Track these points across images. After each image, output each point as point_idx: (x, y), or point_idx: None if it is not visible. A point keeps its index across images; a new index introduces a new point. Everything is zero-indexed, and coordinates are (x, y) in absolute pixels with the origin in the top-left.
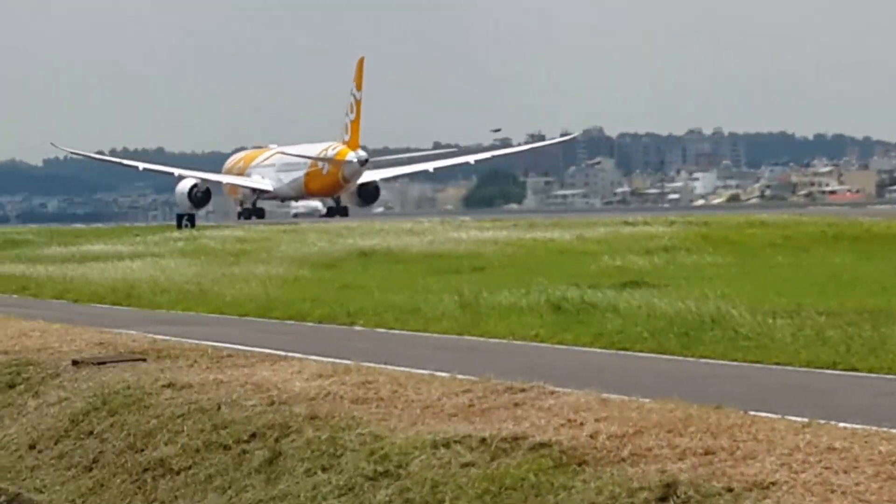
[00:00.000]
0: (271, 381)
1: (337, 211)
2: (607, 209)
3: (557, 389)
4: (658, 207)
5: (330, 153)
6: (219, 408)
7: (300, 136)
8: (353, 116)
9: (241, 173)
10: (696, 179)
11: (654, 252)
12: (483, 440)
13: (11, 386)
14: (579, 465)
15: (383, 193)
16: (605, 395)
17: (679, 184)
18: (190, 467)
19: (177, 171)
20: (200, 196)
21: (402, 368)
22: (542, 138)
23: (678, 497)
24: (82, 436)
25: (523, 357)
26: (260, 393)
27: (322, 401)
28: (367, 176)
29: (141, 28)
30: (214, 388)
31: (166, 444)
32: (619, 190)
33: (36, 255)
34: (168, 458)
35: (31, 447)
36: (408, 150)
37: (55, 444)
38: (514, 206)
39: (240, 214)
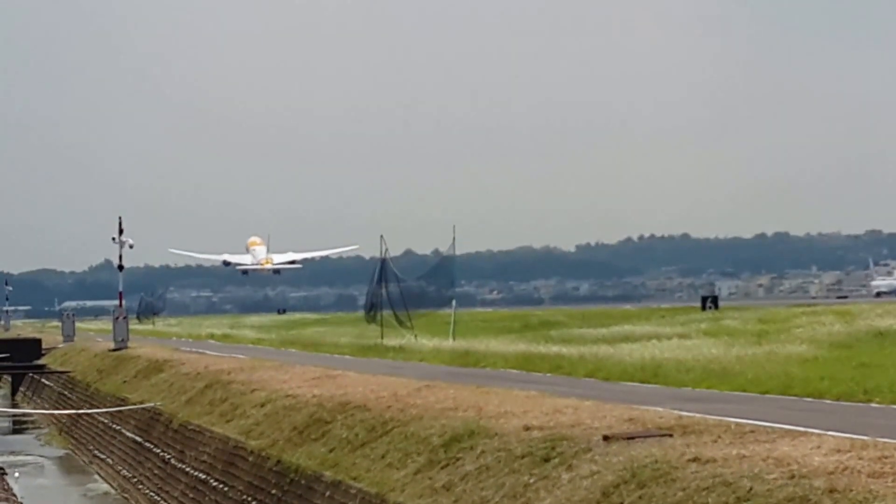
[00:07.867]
0: (791, 455)
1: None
2: None
3: None
4: None
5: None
6: (742, 481)
7: None
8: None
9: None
10: None
11: None
12: None
13: (546, 460)
14: None
15: None
16: None
17: None
18: None
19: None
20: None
21: None
22: None
23: None
24: None
25: None
26: (781, 467)
27: (840, 475)
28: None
29: None
30: (737, 463)
31: None
32: None
33: (569, 335)
34: None
35: None
36: None
37: None
38: None
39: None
